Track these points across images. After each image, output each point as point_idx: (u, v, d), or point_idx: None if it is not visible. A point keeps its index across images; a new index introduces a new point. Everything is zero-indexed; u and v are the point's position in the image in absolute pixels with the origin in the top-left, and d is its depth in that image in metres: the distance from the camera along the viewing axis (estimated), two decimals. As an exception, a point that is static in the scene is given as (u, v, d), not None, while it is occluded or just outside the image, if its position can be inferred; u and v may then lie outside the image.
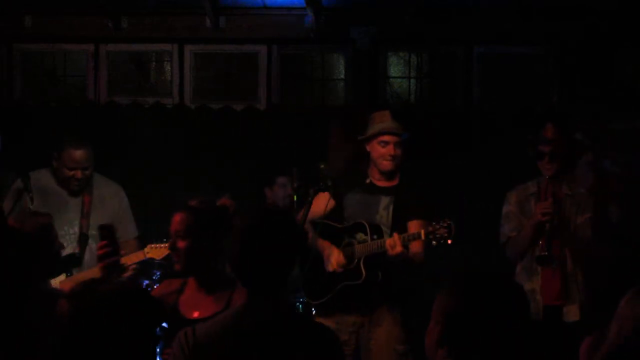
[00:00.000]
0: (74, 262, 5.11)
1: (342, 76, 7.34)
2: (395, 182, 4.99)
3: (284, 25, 7.20)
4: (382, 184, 4.99)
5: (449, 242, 4.54)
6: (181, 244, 3.71)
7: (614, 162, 6.66)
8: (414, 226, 4.79)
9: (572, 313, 4.93)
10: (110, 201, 5.22)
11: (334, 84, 7.41)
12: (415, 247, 4.77)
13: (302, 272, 4.69)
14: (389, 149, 4.92)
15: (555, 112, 6.69)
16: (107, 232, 3.41)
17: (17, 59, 7.44)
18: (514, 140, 6.80)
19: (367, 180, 5.01)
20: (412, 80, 7.30)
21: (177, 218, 3.68)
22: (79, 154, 5.03)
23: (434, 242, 4.56)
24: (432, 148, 6.90)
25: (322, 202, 4.83)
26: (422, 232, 4.59)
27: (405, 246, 4.63)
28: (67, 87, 7.51)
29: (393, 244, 4.59)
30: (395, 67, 7.36)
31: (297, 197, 4.95)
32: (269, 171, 6.74)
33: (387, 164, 4.94)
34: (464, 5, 6.96)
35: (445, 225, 4.53)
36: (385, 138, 4.93)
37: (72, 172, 5.03)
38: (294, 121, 7.07)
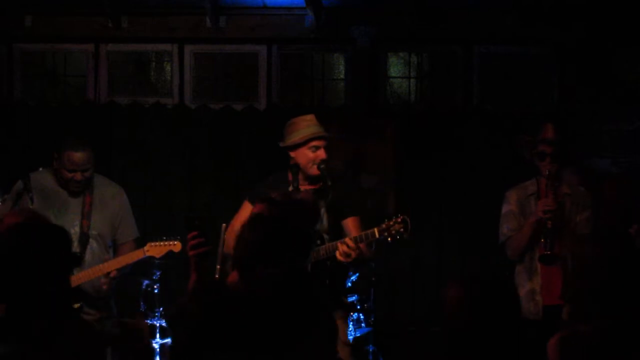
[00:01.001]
0: (74, 262, 5.10)
1: (342, 76, 7.35)
2: (319, 184, 4.79)
3: (284, 25, 7.20)
4: (307, 187, 4.79)
5: (406, 236, 4.42)
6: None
7: (613, 162, 6.67)
8: (351, 224, 4.69)
9: (565, 312, 4.92)
10: (111, 202, 5.21)
11: (334, 84, 7.41)
12: (362, 245, 4.60)
13: None
14: (320, 154, 4.74)
15: (558, 118, 6.68)
16: (196, 221, 3.38)
17: (17, 59, 7.44)
18: (514, 140, 6.82)
19: (295, 185, 4.76)
20: (412, 80, 7.30)
21: (255, 209, 3.71)
22: (78, 156, 5.02)
23: (389, 238, 4.44)
24: (432, 148, 6.91)
25: (244, 214, 4.64)
26: (376, 230, 4.47)
27: (358, 248, 4.48)
28: (67, 87, 7.51)
29: (347, 250, 4.43)
30: (395, 67, 7.36)
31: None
32: (268, 171, 6.74)
33: (316, 169, 4.74)
34: (464, 5, 6.96)
35: (400, 220, 4.44)
36: (316, 143, 4.75)
37: (71, 174, 5.02)
38: (294, 121, 7.06)
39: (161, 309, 6.26)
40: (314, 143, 4.76)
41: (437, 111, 7.05)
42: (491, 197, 6.65)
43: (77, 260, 5.10)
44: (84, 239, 5.10)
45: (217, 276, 5.35)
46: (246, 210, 4.70)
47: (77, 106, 7.27)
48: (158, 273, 6.24)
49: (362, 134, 7.01)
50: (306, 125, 4.83)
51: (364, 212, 4.65)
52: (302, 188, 4.78)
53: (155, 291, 6.24)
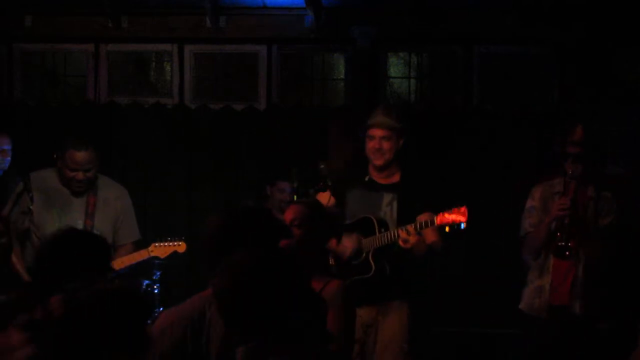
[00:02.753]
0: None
1: (342, 76, 7.35)
2: (396, 179, 4.95)
3: (284, 25, 7.20)
4: (382, 180, 4.95)
5: (464, 226, 4.54)
6: (296, 231, 3.90)
7: (614, 162, 6.66)
8: (424, 218, 4.75)
9: (577, 306, 4.91)
10: (115, 203, 5.23)
11: (334, 84, 7.41)
12: (430, 236, 4.74)
13: None
14: (375, 143, 4.87)
15: (558, 118, 6.68)
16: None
17: (17, 59, 7.44)
18: (514, 140, 6.82)
19: (367, 178, 4.95)
20: (412, 80, 7.30)
21: (294, 208, 3.84)
22: (80, 155, 5.03)
23: (447, 227, 4.56)
24: (432, 148, 6.90)
25: (323, 201, 4.82)
26: (436, 217, 4.58)
27: (419, 234, 4.62)
28: (67, 87, 7.51)
29: (407, 234, 4.58)
30: (395, 67, 7.36)
31: (297, 197, 4.95)
32: (268, 171, 6.75)
33: (374, 158, 4.90)
34: (464, 5, 6.96)
35: (461, 210, 4.56)
36: (372, 132, 4.90)
37: (73, 173, 5.04)
38: (294, 121, 7.07)
39: (161, 309, 6.26)
40: (371, 132, 4.92)
41: (437, 111, 7.05)
42: (491, 197, 6.68)
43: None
44: (87, 238, 5.11)
45: None
46: (322, 198, 4.82)
47: (77, 106, 7.27)
48: (158, 273, 6.24)
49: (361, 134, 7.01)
50: (371, 117, 4.98)
51: (437, 207, 4.66)
52: (374, 178, 4.93)
53: (155, 291, 6.24)
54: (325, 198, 4.84)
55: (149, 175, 7.13)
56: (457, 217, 4.56)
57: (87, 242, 3.10)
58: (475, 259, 6.71)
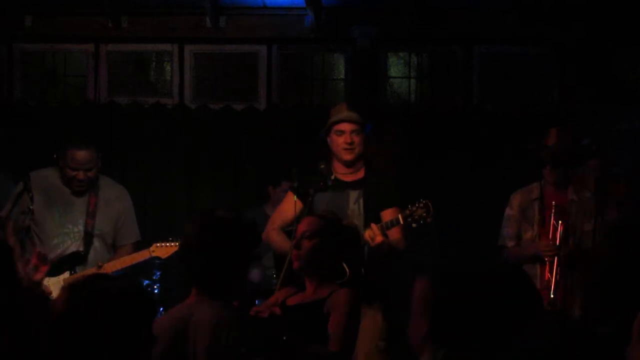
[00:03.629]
0: (78, 260, 5.12)
1: (342, 76, 7.34)
2: (361, 175, 4.89)
3: (284, 25, 7.20)
4: (347, 178, 4.88)
5: (429, 220, 4.51)
6: (307, 244, 3.92)
7: (613, 163, 6.66)
8: (388, 215, 4.72)
9: (576, 308, 4.92)
10: (116, 203, 5.23)
11: (334, 84, 7.41)
12: (394, 233, 4.69)
13: (278, 277, 4.60)
14: (345, 137, 4.81)
15: (558, 118, 6.68)
16: None
17: (17, 59, 7.44)
18: (514, 140, 6.81)
19: (332, 177, 4.85)
20: (412, 80, 7.30)
21: (309, 220, 3.89)
22: (81, 154, 5.03)
23: (413, 224, 4.52)
24: (432, 148, 6.90)
25: (290, 207, 4.78)
26: (400, 216, 4.55)
27: (384, 235, 4.57)
28: (67, 87, 7.51)
29: (372, 235, 4.52)
30: (395, 67, 7.36)
31: (297, 197, 4.94)
32: (269, 171, 6.75)
33: (345, 153, 4.82)
34: (464, 5, 6.96)
35: (422, 205, 4.51)
36: (340, 127, 4.83)
37: (74, 173, 5.04)
38: (294, 121, 7.07)
39: (161, 309, 6.26)
40: (339, 127, 4.85)
41: (437, 111, 7.05)
42: (491, 197, 6.66)
43: (81, 259, 5.13)
44: (89, 237, 5.12)
45: None
46: (288, 202, 4.82)
47: (77, 106, 7.27)
48: (158, 273, 6.24)
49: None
50: (335, 113, 4.93)
51: (404, 204, 4.63)
52: (339, 176, 4.86)
53: (155, 291, 6.23)
54: (291, 202, 4.79)
55: (149, 175, 7.13)
56: (421, 212, 4.51)
57: None
58: (475, 257, 6.70)
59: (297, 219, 4.71)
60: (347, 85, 7.30)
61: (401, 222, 4.56)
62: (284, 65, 7.33)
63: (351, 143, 4.81)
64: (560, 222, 4.87)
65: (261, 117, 7.15)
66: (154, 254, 5.06)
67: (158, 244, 5.08)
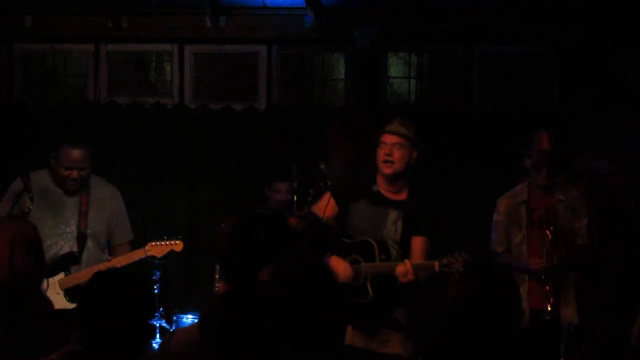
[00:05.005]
0: (72, 261, 5.11)
1: (342, 76, 7.34)
2: (403, 196, 4.78)
3: (284, 25, 7.19)
4: (390, 195, 4.77)
5: (457, 275, 4.43)
6: None
7: (613, 162, 6.66)
8: (417, 243, 4.67)
9: (570, 315, 4.93)
10: (109, 203, 5.22)
11: (334, 84, 7.40)
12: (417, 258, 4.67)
13: None
14: (386, 149, 4.70)
15: (558, 118, 6.68)
16: None
17: (17, 59, 7.44)
18: (514, 140, 6.81)
19: (375, 188, 4.77)
20: (412, 80, 7.30)
21: (291, 221, 3.86)
22: (75, 153, 5.02)
23: (444, 270, 4.49)
24: (432, 148, 6.89)
25: (322, 206, 4.71)
26: (437, 264, 4.49)
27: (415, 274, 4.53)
28: (67, 87, 7.50)
29: (405, 272, 4.48)
30: (395, 67, 7.36)
31: (297, 197, 4.94)
32: (269, 171, 6.75)
33: (384, 167, 4.71)
34: (464, 5, 6.96)
35: (462, 260, 4.45)
36: (384, 139, 4.73)
37: (68, 172, 5.02)
38: (294, 121, 7.07)
39: (161, 309, 6.26)
40: (383, 139, 4.74)
41: (437, 111, 7.04)
42: (491, 197, 6.65)
43: (75, 259, 5.12)
44: (82, 238, 5.10)
45: (217, 276, 5.37)
46: (325, 202, 4.73)
47: (77, 106, 7.27)
48: (158, 273, 6.24)
49: (362, 134, 7.00)
50: (386, 125, 4.81)
51: (435, 235, 4.63)
52: (382, 191, 4.76)
53: (155, 291, 6.24)
54: (324, 202, 4.74)
55: (149, 175, 7.12)
56: (459, 266, 4.46)
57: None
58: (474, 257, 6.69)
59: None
60: (347, 85, 7.30)
61: (436, 269, 4.50)
62: (284, 65, 7.33)
63: (389, 155, 4.68)
64: (548, 231, 4.87)
65: (261, 117, 7.15)
66: (149, 253, 5.06)
67: (153, 243, 5.07)
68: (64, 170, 5.03)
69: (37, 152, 6.30)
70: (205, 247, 6.70)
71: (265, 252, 3.05)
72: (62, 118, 7.08)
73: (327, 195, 4.76)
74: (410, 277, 4.48)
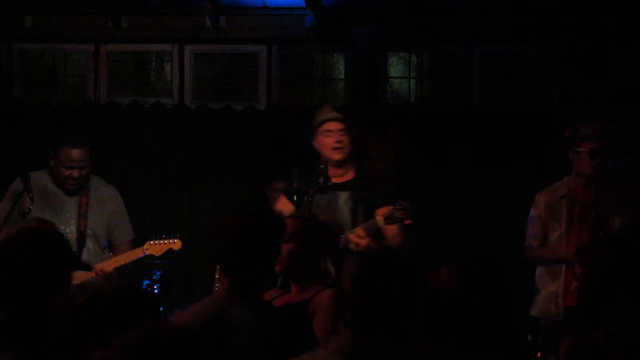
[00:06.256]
0: (73, 264, 5.10)
1: (342, 76, 7.34)
2: (350, 177, 4.88)
3: (284, 25, 7.19)
4: (337, 179, 4.86)
5: (406, 222, 4.52)
6: (285, 246, 3.87)
7: (614, 162, 6.66)
8: (379, 213, 4.70)
9: None
10: (108, 203, 5.22)
11: (334, 84, 7.40)
12: (390, 231, 4.68)
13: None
14: (334, 137, 4.81)
15: (558, 118, 6.67)
16: None
17: (17, 59, 7.43)
18: (514, 140, 6.81)
19: (320, 179, 4.83)
20: (412, 80, 7.30)
21: (286, 222, 3.87)
22: (76, 152, 5.02)
23: (391, 223, 4.54)
24: (432, 148, 6.90)
25: (284, 207, 4.79)
26: (377, 218, 4.55)
27: (374, 236, 4.56)
28: (67, 87, 7.50)
29: (357, 240, 4.53)
30: (395, 67, 7.35)
31: (297, 197, 4.94)
32: (269, 171, 6.75)
33: (335, 153, 4.81)
34: (464, 5, 6.96)
35: (400, 207, 4.52)
36: (328, 127, 4.84)
37: (68, 171, 5.02)
38: (294, 121, 7.06)
39: (161, 309, 6.26)
40: (326, 126, 4.84)
41: (437, 111, 7.04)
42: (491, 197, 6.68)
43: (76, 261, 5.11)
44: (81, 238, 5.10)
45: (217, 276, 5.36)
46: (282, 204, 4.81)
47: (77, 106, 7.27)
48: (158, 273, 6.24)
49: (362, 134, 7.00)
50: (320, 114, 4.94)
51: (389, 196, 4.66)
52: (332, 178, 4.82)
53: (155, 291, 6.24)
54: (285, 204, 4.80)
55: (149, 175, 7.12)
56: (399, 214, 4.52)
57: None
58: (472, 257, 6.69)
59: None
60: (347, 85, 7.29)
61: (379, 224, 4.55)
62: (284, 65, 7.33)
63: (340, 142, 4.80)
64: (587, 226, 4.84)
65: (261, 117, 7.15)
66: (147, 252, 5.05)
67: (151, 242, 5.07)
68: (65, 170, 5.03)
69: (37, 152, 6.30)
70: (205, 247, 6.69)
71: (265, 248, 3.09)
72: (62, 118, 7.08)
73: (278, 200, 4.91)
74: (364, 241, 4.51)
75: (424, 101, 7.24)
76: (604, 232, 4.87)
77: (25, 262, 2.75)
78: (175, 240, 5.15)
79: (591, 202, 4.96)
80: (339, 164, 4.86)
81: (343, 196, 4.82)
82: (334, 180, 4.85)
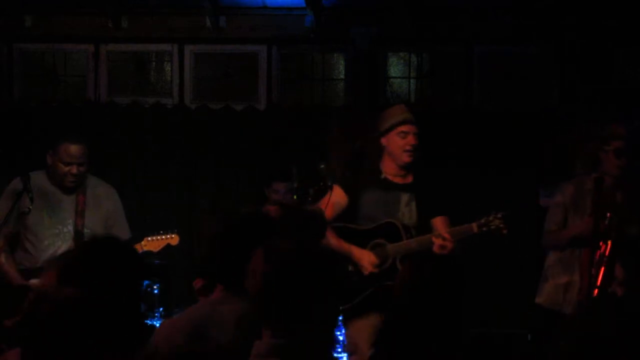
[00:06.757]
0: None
1: (342, 76, 7.34)
2: (410, 179, 4.83)
3: (284, 25, 7.20)
4: (398, 180, 4.81)
5: (504, 232, 4.50)
6: None
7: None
8: (439, 222, 4.69)
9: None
10: (106, 202, 5.20)
11: (334, 84, 7.41)
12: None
13: None
14: (409, 140, 4.74)
15: (558, 118, 6.67)
16: None
17: (17, 59, 7.44)
18: (514, 140, 6.82)
19: (382, 176, 4.80)
20: (412, 80, 7.30)
21: (271, 209, 3.82)
22: (74, 148, 5.01)
23: (484, 230, 4.52)
24: (432, 148, 6.89)
25: (325, 200, 4.72)
26: (474, 225, 4.52)
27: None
28: (67, 87, 7.51)
29: (444, 243, 4.48)
30: (395, 67, 7.36)
31: (297, 197, 4.94)
32: (269, 171, 6.75)
33: (407, 156, 4.75)
34: (464, 5, 6.96)
35: (500, 216, 4.49)
36: (405, 128, 4.76)
37: (67, 168, 5.01)
38: (294, 121, 7.07)
39: (161, 309, 6.26)
40: (403, 128, 4.77)
41: (437, 111, 7.04)
42: (491, 197, 6.67)
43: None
44: (79, 237, 5.09)
45: None
46: (337, 195, 4.74)
47: (77, 106, 7.27)
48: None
49: (362, 134, 7.00)
50: (396, 113, 4.85)
51: (451, 212, 4.65)
52: (389, 177, 4.79)
53: (155, 291, 6.23)
54: (327, 197, 4.77)
55: (149, 175, 7.12)
56: (498, 222, 4.49)
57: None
58: (474, 258, 6.70)
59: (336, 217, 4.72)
60: (347, 85, 7.30)
61: (475, 230, 4.54)
62: (284, 65, 7.33)
63: (414, 145, 4.75)
64: (609, 214, 4.78)
65: (261, 117, 7.15)
66: (145, 248, 5.04)
67: (149, 238, 5.06)
68: (64, 167, 5.01)
69: (37, 152, 6.29)
70: (205, 247, 6.69)
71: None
72: (62, 118, 7.08)
73: (332, 191, 4.77)
74: (449, 245, 4.47)
75: (424, 101, 7.24)
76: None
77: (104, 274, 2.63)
78: (173, 236, 5.14)
79: (614, 200, 4.93)
80: (406, 167, 4.80)
81: (405, 197, 4.77)
82: (395, 180, 4.81)
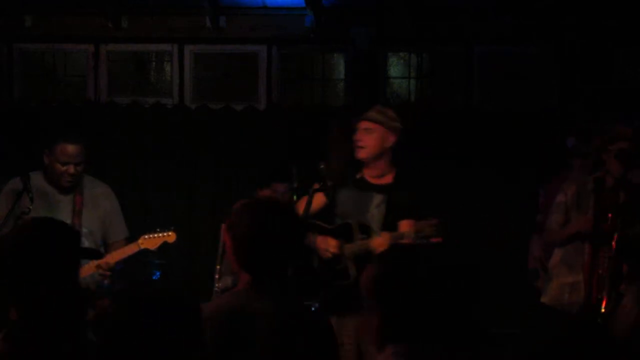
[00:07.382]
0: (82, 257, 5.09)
1: (342, 76, 7.35)
2: (389, 181, 4.84)
3: (284, 25, 7.20)
4: (374, 180, 4.83)
5: (434, 240, 4.48)
6: (225, 235, 3.78)
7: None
8: (404, 226, 4.68)
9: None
10: (103, 201, 5.19)
11: (334, 84, 7.41)
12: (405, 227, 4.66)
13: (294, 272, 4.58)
14: (357, 135, 4.79)
15: (558, 118, 6.67)
16: None
17: (17, 59, 7.44)
18: (514, 140, 6.81)
19: (358, 175, 4.84)
20: (412, 80, 7.30)
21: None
22: (71, 148, 4.99)
23: (419, 241, 4.49)
24: (432, 148, 6.90)
25: (302, 202, 4.77)
26: (411, 230, 4.53)
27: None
28: (67, 87, 7.51)
29: (380, 243, 4.52)
30: (395, 67, 7.36)
31: (297, 197, 4.94)
32: (269, 171, 6.74)
33: (356, 151, 4.79)
34: (464, 5, 6.96)
35: (433, 223, 4.50)
36: (358, 124, 4.82)
37: (64, 167, 4.99)
38: (294, 121, 7.07)
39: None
40: (358, 125, 4.83)
41: (437, 111, 7.04)
42: (491, 197, 6.68)
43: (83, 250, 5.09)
44: (77, 237, 5.09)
45: (217, 276, 5.37)
46: (317, 200, 4.78)
47: (77, 106, 7.27)
48: (158, 273, 6.24)
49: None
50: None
51: (420, 218, 4.62)
52: (366, 176, 4.82)
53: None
54: (318, 200, 4.80)
55: (149, 176, 7.12)
56: (430, 230, 4.49)
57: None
58: (474, 258, 6.69)
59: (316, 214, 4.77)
60: (347, 85, 7.30)
61: (411, 236, 4.53)
62: (284, 65, 7.33)
63: (359, 140, 4.78)
64: (610, 214, 4.78)
65: (261, 117, 7.15)
66: (142, 246, 5.02)
67: (146, 236, 5.04)
68: (61, 166, 5.00)
69: (37, 152, 6.29)
70: (205, 247, 6.69)
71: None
72: (62, 118, 7.08)
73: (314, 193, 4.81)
74: (382, 249, 4.45)
75: (424, 101, 7.24)
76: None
77: (33, 252, 2.70)
78: (170, 233, 5.12)
79: (618, 200, 4.92)
80: (368, 164, 4.82)
81: (377, 198, 4.78)
82: (371, 180, 4.83)
